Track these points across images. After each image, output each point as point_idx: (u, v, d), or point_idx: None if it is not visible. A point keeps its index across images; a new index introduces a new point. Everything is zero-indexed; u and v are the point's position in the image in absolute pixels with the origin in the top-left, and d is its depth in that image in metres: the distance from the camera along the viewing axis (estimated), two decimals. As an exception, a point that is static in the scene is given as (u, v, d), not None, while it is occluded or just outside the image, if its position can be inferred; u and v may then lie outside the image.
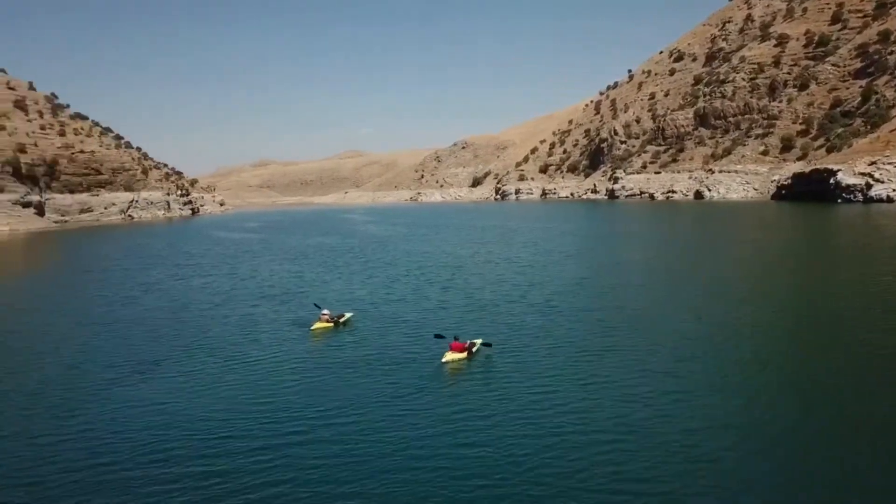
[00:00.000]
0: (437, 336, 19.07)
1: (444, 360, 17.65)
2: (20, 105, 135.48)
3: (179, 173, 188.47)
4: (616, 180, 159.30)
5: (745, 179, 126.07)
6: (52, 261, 53.66)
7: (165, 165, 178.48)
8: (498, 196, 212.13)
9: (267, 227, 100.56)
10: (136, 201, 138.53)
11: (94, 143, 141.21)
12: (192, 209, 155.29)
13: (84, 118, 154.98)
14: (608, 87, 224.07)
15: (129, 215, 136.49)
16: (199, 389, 16.51)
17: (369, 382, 16.57)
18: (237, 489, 10.95)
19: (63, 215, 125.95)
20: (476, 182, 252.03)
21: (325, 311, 23.25)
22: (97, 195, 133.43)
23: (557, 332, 21.05)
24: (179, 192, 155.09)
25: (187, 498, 10.74)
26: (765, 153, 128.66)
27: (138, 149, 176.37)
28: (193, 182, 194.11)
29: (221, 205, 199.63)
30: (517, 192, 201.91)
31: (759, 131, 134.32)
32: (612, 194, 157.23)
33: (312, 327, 22.70)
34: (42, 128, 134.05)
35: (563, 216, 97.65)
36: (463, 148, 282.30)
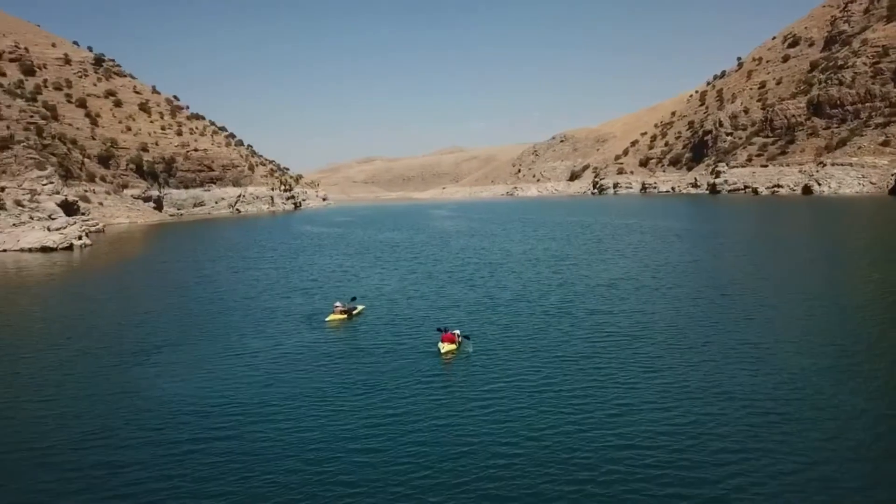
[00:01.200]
0: (439, 329, 20.48)
1: (441, 350, 19.20)
2: (144, 108, 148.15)
3: (284, 170, 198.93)
4: (718, 174, 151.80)
5: (860, 173, 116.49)
6: (144, 251, 58.84)
7: (271, 162, 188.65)
8: (595, 190, 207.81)
9: (352, 222, 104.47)
10: (243, 196, 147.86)
11: (207, 141, 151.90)
12: (295, 204, 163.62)
13: (200, 118, 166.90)
14: (715, 77, 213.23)
15: (237, 209, 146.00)
16: (200, 372, 18.27)
17: (364, 367, 18.16)
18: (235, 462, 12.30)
19: (179, 209, 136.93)
20: (574, 176, 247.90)
21: (338, 303, 24.89)
22: (209, 190, 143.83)
23: (539, 333, 21.35)
24: (283, 188, 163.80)
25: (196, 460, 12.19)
26: (885, 144, 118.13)
27: (249, 146, 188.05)
28: (298, 178, 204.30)
29: (324, 200, 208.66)
30: (615, 186, 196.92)
31: (880, 120, 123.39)
32: (713, 189, 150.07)
33: (327, 318, 24.30)
34: (162, 128, 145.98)
35: (651, 212, 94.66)
36: (561, 141, 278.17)
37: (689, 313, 23.48)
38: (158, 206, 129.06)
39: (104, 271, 43.11)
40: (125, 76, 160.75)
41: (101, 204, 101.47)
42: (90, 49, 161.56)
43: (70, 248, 51.08)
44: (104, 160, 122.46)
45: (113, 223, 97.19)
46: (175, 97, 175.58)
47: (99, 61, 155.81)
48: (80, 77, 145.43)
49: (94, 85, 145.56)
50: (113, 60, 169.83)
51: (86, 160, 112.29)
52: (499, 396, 15.26)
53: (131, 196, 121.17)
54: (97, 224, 77.05)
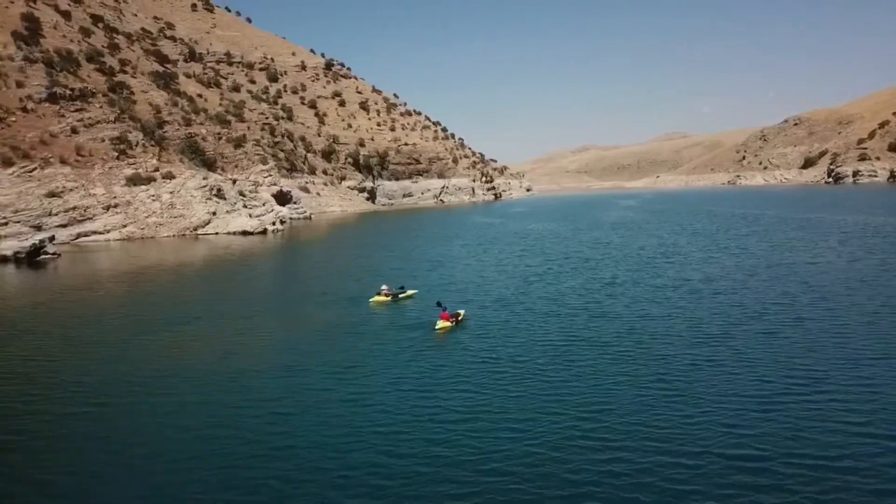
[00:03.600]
0: (438, 304, 22.02)
1: (436, 326, 20.67)
2: (364, 106, 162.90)
3: (489, 161, 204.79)
4: None
5: None
6: (323, 236, 65.28)
7: (475, 154, 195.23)
8: (829, 179, 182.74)
9: (525, 213, 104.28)
10: (447, 187, 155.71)
11: (416, 136, 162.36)
12: (495, 194, 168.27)
13: (412, 114, 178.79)
14: None
15: (441, 199, 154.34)
16: (252, 342, 19.72)
17: (387, 343, 19.24)
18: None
19: (390, 199, 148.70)
20: (808, 163, 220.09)
21: (385, 287, 25.99)
22: (416, 182, 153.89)
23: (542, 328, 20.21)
24: (484, 179, 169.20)
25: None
26: None
27: (460, 140, 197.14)
28: (503, 169, 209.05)
29: (528, 190, 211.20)
30: (855, 174, 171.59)
31: None
32: None
33: (371, 300, 25.54)
34: (378, 125, 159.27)
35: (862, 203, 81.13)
36: (795, 125, 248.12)
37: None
38: (372, 196, 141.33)
39: (270, 251, 49.36)
40: (350, 78, 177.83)
41: (318, 194, 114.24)
42: (322, 55, 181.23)
43: (264, 232, 59.35)
44: (327, 155, 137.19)
45: (326, 211, 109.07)
46: (395, 95, 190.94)
47: (328, 66, 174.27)
48: (313, 81, 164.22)
49: (324, 87, 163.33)
50: (342, 64, 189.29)
51: (309, 155, 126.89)
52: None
53: (348, 187, 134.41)
54: (305, 212, 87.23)
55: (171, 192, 61.77)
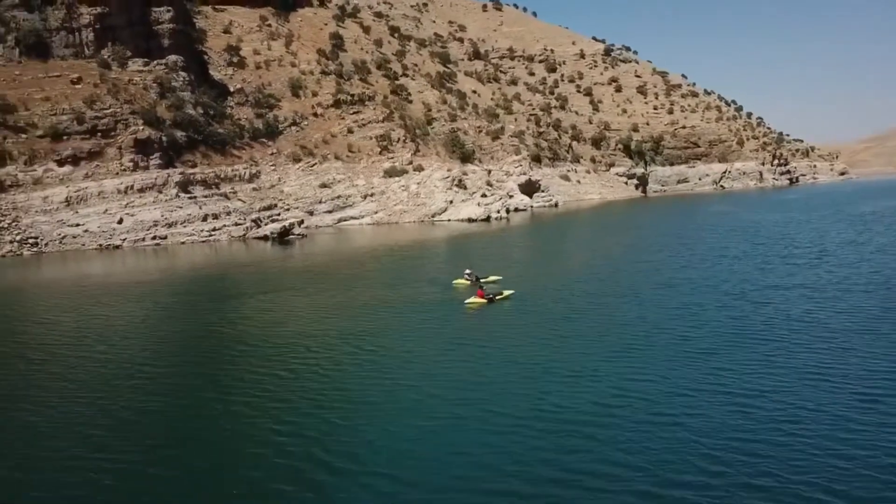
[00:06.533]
0: (469, 272, 27.00)
1: (467, 301, 23.41)
2: (641, 90, 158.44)
3: (788, 141, 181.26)
4: None
5: None
6: (542, 225, 66.41)
7: (770, 132, 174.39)
8: None
9: (792, 201, 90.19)
10: (728, 172, 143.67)
11: (696, 117, 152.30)
12: (790, 179, 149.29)
13: (696, 95, 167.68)
14: None
15: (721, 185, 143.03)
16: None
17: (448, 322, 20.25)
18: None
19: (662, 185, 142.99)
20: None
21: (468, 270, 27.94)
22: (693, 167, 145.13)
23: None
24: (776, 162, 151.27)
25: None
26: None
27: (758, 119, 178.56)
28: (808, 150, 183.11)
29: (842, 174, 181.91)
30: None
31: None
32: None
33: (455, 281, 28.05)
34: (655, 108, 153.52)
35: None
36: None
37: None
38: (642, 183, 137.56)
39: (465, 235, 53.15)
40: (630, 62, 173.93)
41: (578, 182, 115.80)
42: (603, 41, 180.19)
43: (487, 219, 63.80)
44: (596, 142, 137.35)
45: (585, 199, 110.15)
46: (683, 76, 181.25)
47: (608, 52, 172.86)
48: (591, 68, 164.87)
49: (601, 74, 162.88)
50: (627, 48, 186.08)
51: (574, 143, 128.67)
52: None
53: (616, 174, 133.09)
54: (551, 200, 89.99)
55: (418, 183, 70.16)
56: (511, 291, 24.83)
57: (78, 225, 48.23)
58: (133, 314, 25.06)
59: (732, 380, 14.40)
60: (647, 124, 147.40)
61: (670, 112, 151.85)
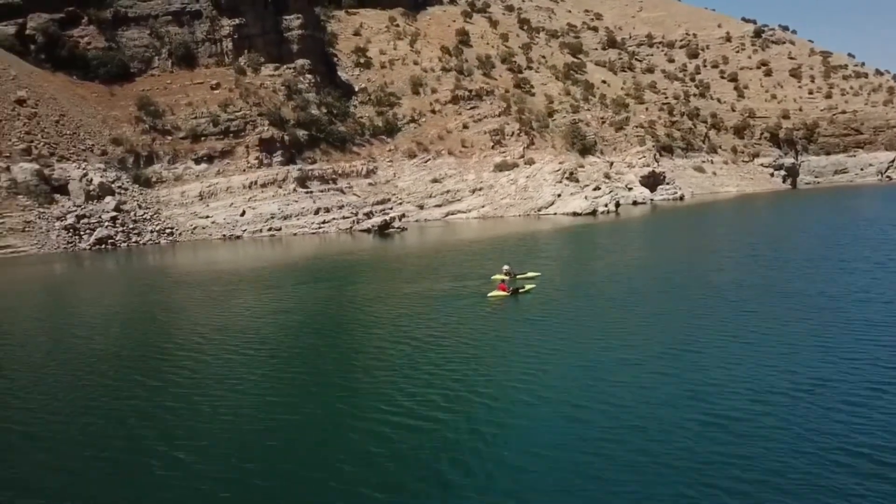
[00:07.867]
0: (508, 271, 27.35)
1: (489, 294, 24.92)
2: (795, 73, 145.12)
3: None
4: None
5: None
6: (650, 222, 63.19)
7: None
8: None
9: None
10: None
11: (860, 101, 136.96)
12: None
13: (863, 76, 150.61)
14: None
15: (888, 176, 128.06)
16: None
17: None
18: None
19: (816, 177, 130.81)
20: None
21: (507, 266, 27.97)
22: (853, 156, 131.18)
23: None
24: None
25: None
26: None
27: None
28: None
29: None
30: None
31: None
32: None
33: (493, 277, 28.39)
34: (810, 92, 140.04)
35: None
36: None
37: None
38: (791, 174, 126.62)
39: (570, 231, 52.16)
40: (784, 43, 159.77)
41: (714, 173, 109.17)
42: (754, 22, 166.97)
43: (593, 213, 62.23)
44: (739, 130, 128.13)
45: (720, 192, 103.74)
46: (850, 55, 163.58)
47: (758, 33, 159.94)
48: (737, 52, 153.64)
49: (749, 58, 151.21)
50: (782, 27, 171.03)
51: (712, 132, 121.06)
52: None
53: (760, 165, 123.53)
54: (676, 193, 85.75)
55: (527, 177, 70.16)
56: (532, 286, 26.43)
57: (207, 217, 53.96)
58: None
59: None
60: (800, 110, 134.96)
61: (828, 96, 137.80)
